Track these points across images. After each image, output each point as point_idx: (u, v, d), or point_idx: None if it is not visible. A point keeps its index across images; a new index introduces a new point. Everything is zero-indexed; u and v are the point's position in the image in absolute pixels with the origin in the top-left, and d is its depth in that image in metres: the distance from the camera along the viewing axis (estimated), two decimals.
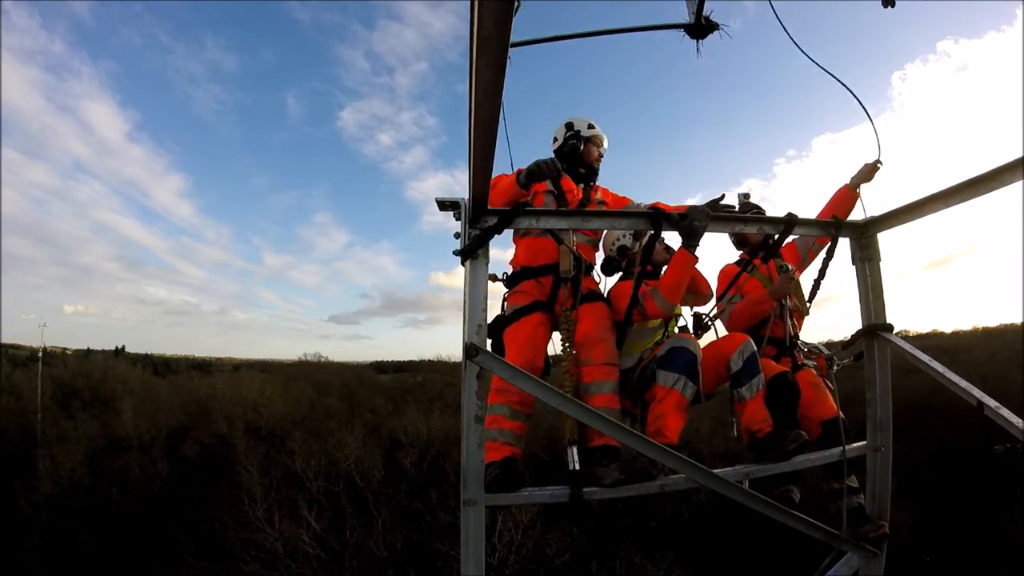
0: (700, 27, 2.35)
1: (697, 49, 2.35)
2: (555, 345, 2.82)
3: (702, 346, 2.98)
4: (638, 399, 2.77)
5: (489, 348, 2.77)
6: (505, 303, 2.95)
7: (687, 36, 2.48)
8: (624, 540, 16.49)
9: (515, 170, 2.73)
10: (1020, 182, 1.97)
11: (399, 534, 16.64)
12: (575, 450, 2.40)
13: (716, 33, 2.48)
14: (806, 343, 3.16)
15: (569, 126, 3.12)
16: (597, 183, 3.15)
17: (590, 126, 3.11)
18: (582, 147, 3.07)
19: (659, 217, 2.38)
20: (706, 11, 2.41)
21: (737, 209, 3.21)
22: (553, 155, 3.12)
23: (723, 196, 2.55)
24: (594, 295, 2.90)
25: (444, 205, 2.23)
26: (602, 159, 3.16)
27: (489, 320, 2.59)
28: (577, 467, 2.36)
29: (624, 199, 3.16)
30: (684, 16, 2.50)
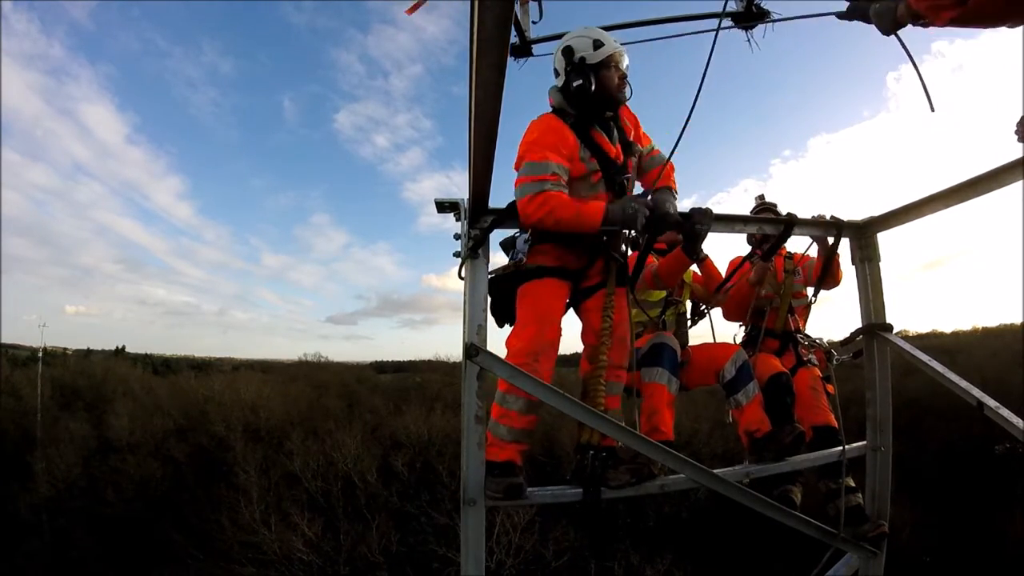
0: (750, 14, 1.92)
1: (748, 40, 1.90)
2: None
3: (694, 344, 3.04)
4: None
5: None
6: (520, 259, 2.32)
7: (733, 27, 2.07)
8: (623, 541, 16.49)
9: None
10: (1019, 182, 1.98)
11: (394, 539, 16.63)
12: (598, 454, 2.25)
13: (719, 32, 2.26)
14: (807, 336, 3.18)
15: (568, 53, 2.24)
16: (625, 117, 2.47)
17: (597, 43, 2.22)
18: (594, 83, 2.19)
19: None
20: (707, 8, 2.19)
21: (755, 210, 3.24)
22: (564, 98, 2.30)
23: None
24: (625, 279, 2.46)
25: (443, 207, 2.18)
26: (627, 79, 2.32)
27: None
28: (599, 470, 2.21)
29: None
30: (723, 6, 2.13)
